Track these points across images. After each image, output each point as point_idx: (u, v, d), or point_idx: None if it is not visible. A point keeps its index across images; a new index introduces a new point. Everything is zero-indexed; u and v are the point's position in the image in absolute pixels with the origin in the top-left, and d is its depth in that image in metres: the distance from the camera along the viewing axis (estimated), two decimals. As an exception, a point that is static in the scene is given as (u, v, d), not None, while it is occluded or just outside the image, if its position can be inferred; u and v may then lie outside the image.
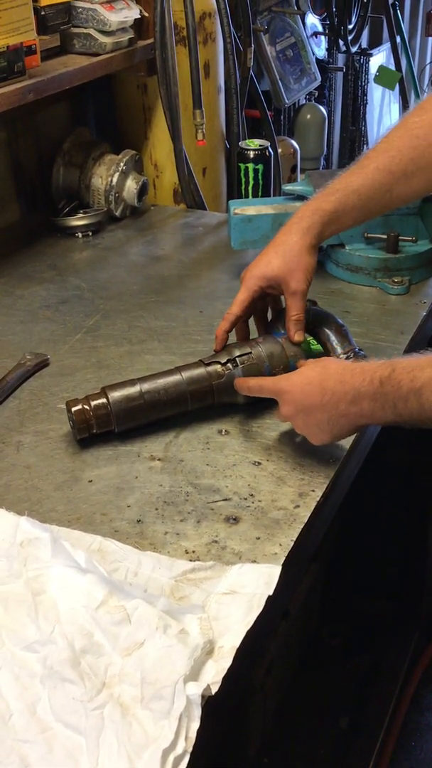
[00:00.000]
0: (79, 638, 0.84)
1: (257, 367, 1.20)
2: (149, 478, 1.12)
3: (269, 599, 0.90)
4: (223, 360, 1.20)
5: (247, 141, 1.88)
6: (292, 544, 1.00)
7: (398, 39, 3.80)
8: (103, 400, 1.16)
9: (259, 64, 2.74)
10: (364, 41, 3.76)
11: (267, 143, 1.87)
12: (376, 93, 4.06)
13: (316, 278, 1.27)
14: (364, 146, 3.88)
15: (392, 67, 3.87)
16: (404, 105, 4.03)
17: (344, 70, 3.61)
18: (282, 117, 3.06)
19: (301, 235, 1.23)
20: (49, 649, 0.83)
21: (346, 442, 1.16)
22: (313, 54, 3.10)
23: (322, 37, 3.35)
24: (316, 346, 1.27)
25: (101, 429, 1.17)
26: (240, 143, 1.89)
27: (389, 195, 1.26)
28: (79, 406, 1.16)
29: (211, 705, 0.81)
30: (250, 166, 1.84)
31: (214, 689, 0.81)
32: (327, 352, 1.24)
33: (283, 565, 0.96)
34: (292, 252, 1.23)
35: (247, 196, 1.87)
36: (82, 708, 0.79)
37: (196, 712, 0.78)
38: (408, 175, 1.24)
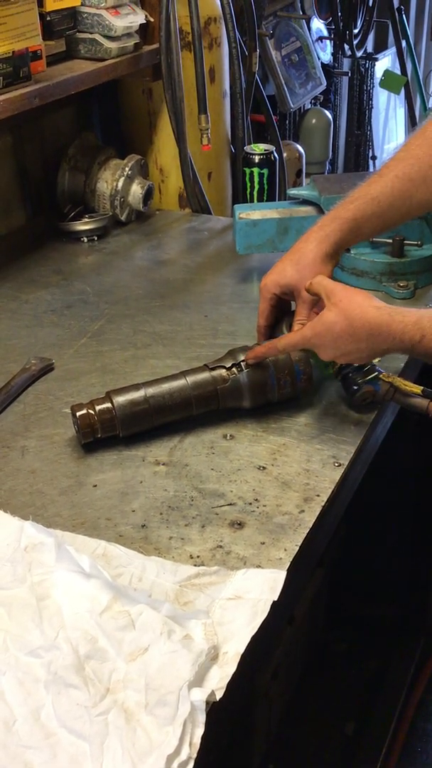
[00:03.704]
0: (83, 643, 0.84)
1: (262, 372, 1.20)
2: (154, 482, 1.11)
3: (274, 605, 0.90)
4: (228, 364, 1.20)
5: (252, 145, 1.88)
6: (297, 549, 0.99)
7: (404, 43, 3.80)
8: (108, 404, 1.16)
9: (265, 69, 2.74)
10: (369, 46, 3.75)
11: (272, 148, 1.87)
12: (381, 97, 4.06)
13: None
14: (370, 150, 3.87)
15: (398, 71, 3.87)
16: (410, 109, 4.02)
17: (349, 74, 3.61)
18: (287, 121, 3.06)
19: (317, 243, 1.24)
20: (53, 654, 0.83)
21: (352, 446, 1.16)
22: (319, 58, 3.10)
23: (328, 42, 3.35)
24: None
25: (106, 433, 1.16)
26: (245, 148, 1.89)
27: (409, 202, 1.26)
28: (84, 411, 1.16)
29: (215, 711, 0.81)
30: (255, 170, 1.84)
31: (219, 695, 0.81)
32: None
33: (288, 571, 0.95)
34: (306, 260, 1.23)
35: (252, 201, 1.87)
36: (86, 714, 0.79)
37: (201, 718, 0.78)
38: (428, 182, 1.24)
